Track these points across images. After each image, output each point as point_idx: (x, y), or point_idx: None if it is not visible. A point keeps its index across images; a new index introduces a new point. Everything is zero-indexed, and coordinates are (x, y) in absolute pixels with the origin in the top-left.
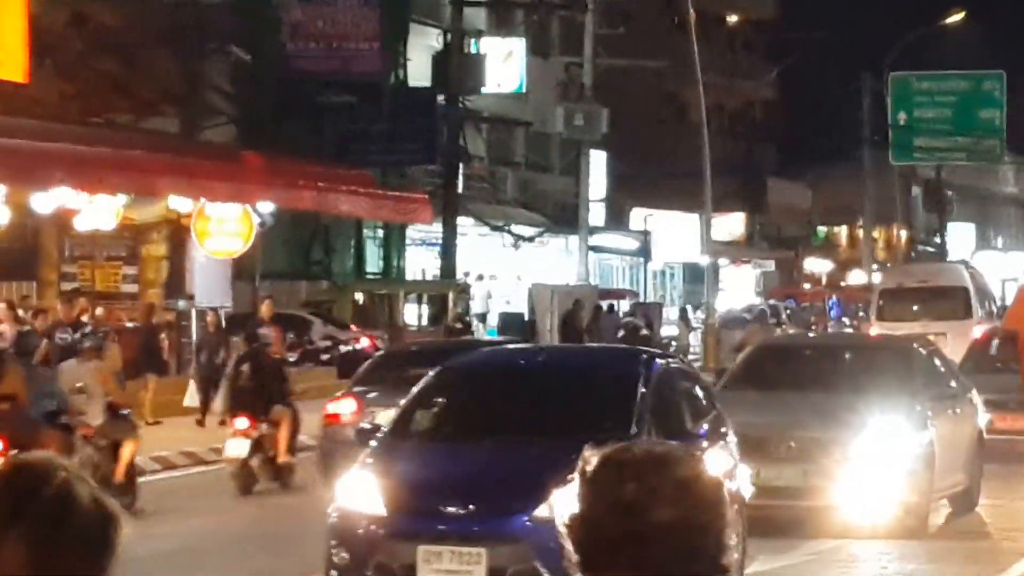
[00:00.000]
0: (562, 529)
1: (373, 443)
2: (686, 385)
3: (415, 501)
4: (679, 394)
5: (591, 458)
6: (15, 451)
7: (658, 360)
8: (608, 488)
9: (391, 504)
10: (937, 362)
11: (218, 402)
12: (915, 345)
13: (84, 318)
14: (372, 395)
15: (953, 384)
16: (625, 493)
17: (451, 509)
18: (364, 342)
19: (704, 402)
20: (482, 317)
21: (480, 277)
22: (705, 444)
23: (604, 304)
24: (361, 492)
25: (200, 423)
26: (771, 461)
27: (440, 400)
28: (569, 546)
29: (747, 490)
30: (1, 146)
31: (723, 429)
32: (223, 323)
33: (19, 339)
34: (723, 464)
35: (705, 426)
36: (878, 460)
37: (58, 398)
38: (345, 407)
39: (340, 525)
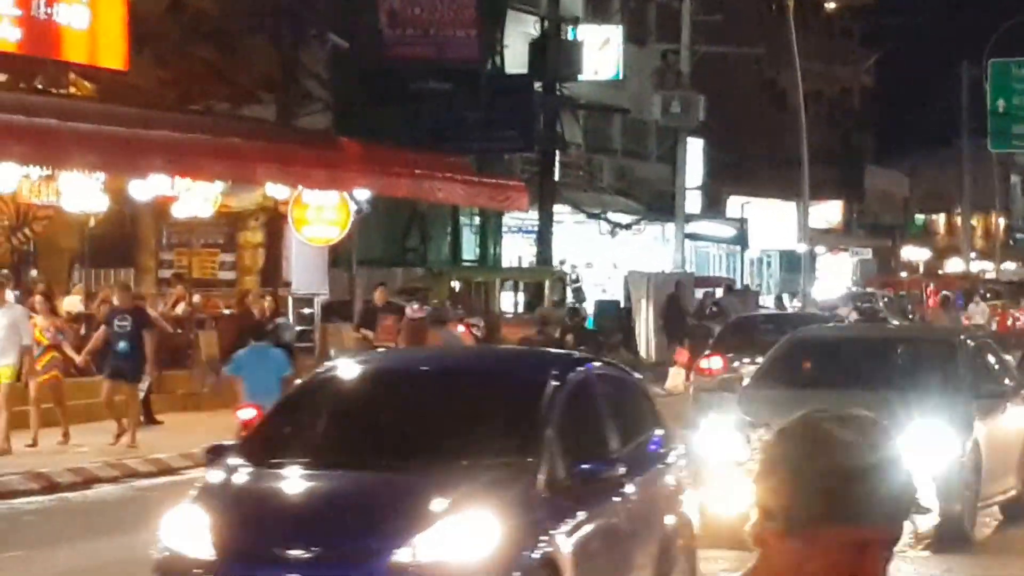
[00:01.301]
0: (755, 506)
1: (210, 473)
2: (619, 397)
3: (249, 543)
4: (605, 409)
5: (771, 435)
6: None
7: (579, 367)
8: (817, 446)
9: (221, 546)
10: (988, 356)
11: None
12: (962, 337)
13: (181, 306)
14: (731, 353)
15: (1006, 380)
16: (836, 447)
17: (293, 552)
18: (459, 329)
19: (645, 417)
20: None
21: (562, 262)
22: (628, 470)
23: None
24: (188, 530)
25: None
26: None
27: (299, 415)
28: (766, 519)
29: (695, 518)
30: (100, 134)
31: (668, 449)
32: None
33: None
34: (663, 490)
35: (639, 447)
36: (917, 465)
37: None
38: (714, 363)
39: (164, 568)
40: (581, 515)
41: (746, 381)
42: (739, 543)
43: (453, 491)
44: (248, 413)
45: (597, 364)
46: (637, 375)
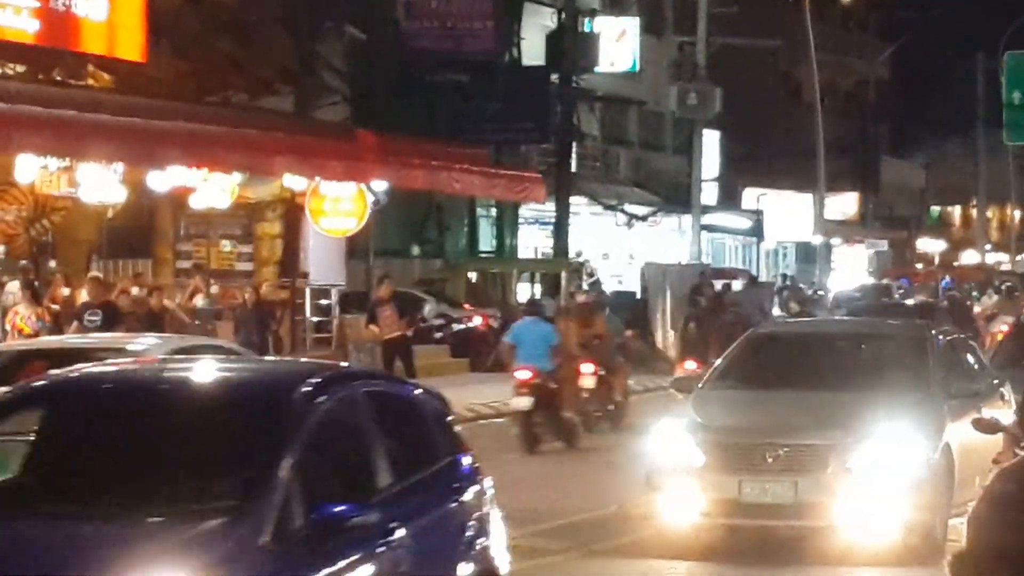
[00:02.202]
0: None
1: None
2: (398, 421)
3: None
4: (375, 436)
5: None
6: None
7: (337, 385)
8: None
9: None
10: (962, 353)
11: None
12: (933, 334)
13: (200, 297)
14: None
15: (981, 379)
16: None
17: None
18: (477, 320)
19: (437, 444)
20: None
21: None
22: (401, 510)
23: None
24: None
25: None
26: (756, 473)
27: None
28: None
29: (503, 562)
30: (118, 125)
31: (469, 483)
32: (257, 299)
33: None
34: (456, 533)
35: (425, 482)
36: (883, 472)
37: None
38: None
39: None
40: (324, 573)
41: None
42: (692, 551)
43: (140, 548)
44: (525, 374)
45: (371, 380)
46: (433, 391)
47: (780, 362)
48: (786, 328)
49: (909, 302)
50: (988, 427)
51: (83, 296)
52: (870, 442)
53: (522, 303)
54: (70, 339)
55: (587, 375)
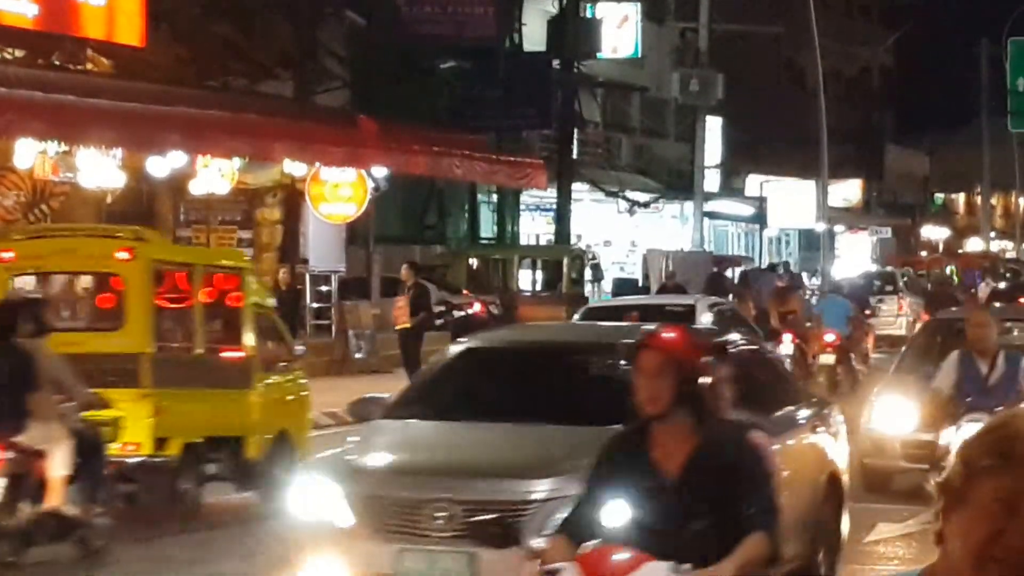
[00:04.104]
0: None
1: None
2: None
3: None
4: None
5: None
6: None
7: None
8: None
9: None
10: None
11: None
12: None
13: None
14: None
15: (779, 403)
16: None
17: None
18: (477, 307)
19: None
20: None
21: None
22: None
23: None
24: None
25: None
26: (420, 540)
27: None
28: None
29: None
30: (117, 110)
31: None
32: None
33: None
34: None
35: None
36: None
37: None
38: None
39: None
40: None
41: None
42: None
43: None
44: (831, 336)
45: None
46: None
47: (480, 383)
48: (500, 338)
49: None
50: None
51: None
52: (550, 498)
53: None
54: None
55: (786, 343)
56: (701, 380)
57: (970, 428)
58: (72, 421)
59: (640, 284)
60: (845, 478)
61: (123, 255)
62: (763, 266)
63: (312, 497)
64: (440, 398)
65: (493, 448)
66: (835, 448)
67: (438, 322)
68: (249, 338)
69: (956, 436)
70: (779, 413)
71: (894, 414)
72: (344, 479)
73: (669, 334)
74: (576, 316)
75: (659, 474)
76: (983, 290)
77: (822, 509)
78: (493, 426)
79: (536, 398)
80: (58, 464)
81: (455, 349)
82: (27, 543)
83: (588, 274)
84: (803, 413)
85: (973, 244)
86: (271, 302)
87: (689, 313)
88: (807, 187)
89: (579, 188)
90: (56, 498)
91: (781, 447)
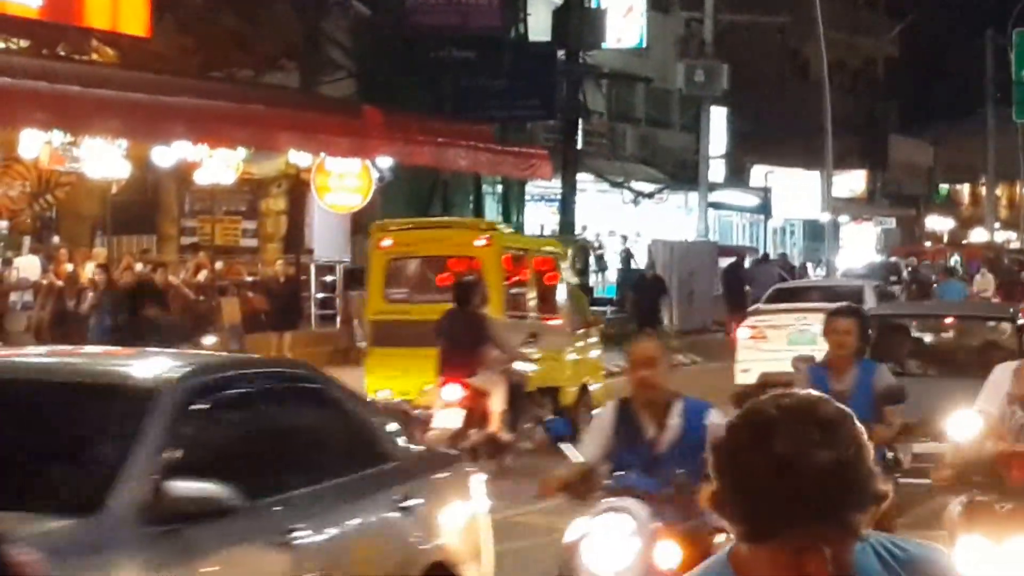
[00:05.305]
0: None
1: None
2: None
3: None
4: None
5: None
6: None
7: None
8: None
9: None
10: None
11: None
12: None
13: (203, 273)
14: None
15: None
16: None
17: None
18: None
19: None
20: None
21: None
22: None
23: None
24: None
25: None
26: None
27: None
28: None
29: None
30: (122, 100)
31: None
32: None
33: None
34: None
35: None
36: None
37: None
38: None
39: None
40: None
41: None
42: None
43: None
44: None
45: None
46: None
47: None
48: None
49: None
50: None
51: (87, 272)
52: None
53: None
54: None
55: None
56: None
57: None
58: (506, 370)
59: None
60: None
61: (481, 242)
62: (770, 256)
63: None
64: None
65: None
66: None
67: None
68: (563, 308)
69: None
70: None
71: None
72: None
73: None
74: (763, 299)
75: None
76: (978, 281)
77: None
78: None
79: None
80: (497, 401)
81: None
82: (474, 459)
83: (592, 264)
84: None
85: (977, 234)
86: (573, 280)
87: (859, 293)
88: (812, 177)
89: (584, 178)
90: (495, 426)
91: None
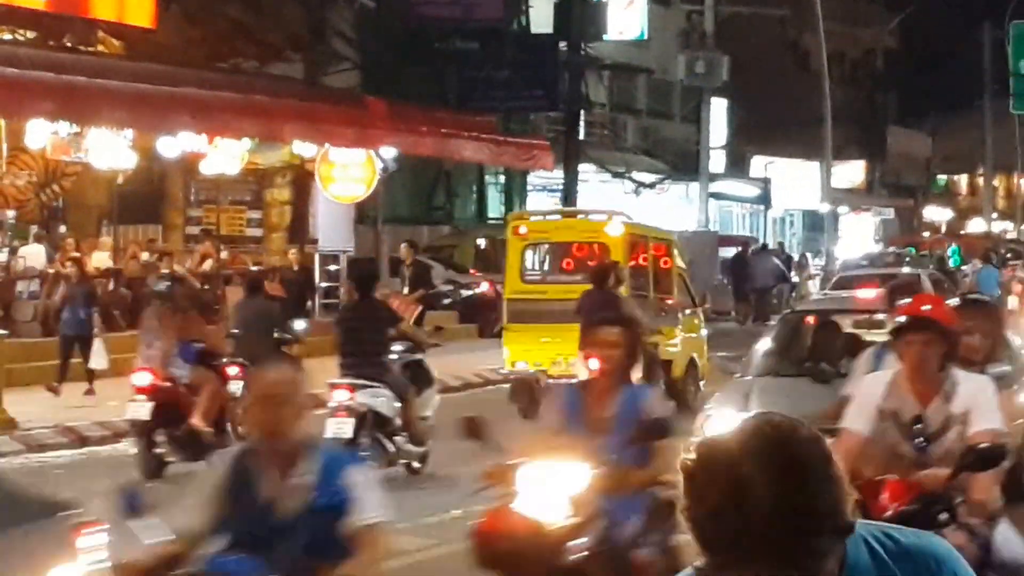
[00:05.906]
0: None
1: None
2: None
3: None
4: None
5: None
6: None
7: None
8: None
9: None
10: None
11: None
12: None
13: (208, 263)
14: None
15: None
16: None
17: None
18: (484, 287)
19: None
20: None
21: None
22: None
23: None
24: None
25: (53, 390)
26: None
27: None
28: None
29: None
30: (128, 91)
31: None
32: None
33: None
34: None
35: None
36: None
37: None
38: None
39: None
40: None
41: None
42: None
43: None
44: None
45: None
46: None
47: None
48: None
49: None
50: None
51: (93, 261)
52: None
53: None
54: None
55: None
56: None
57: None
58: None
59: None
60: None
61: (612, 229)
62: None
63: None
64: None
65: None
66: None
67: (445, 301)
68: (675, 289)
69: None
70: None
71: None
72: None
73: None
74: (829, 285)
75: None
76: (970, 271)
77: None
78: None
79: None
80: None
81: None
82: None
83: None
84: None
85: (975, 225)
86: (681, 264)
87: (917, 281)
88: (811, 168)
89: (586, 169)
90: None
91: None
